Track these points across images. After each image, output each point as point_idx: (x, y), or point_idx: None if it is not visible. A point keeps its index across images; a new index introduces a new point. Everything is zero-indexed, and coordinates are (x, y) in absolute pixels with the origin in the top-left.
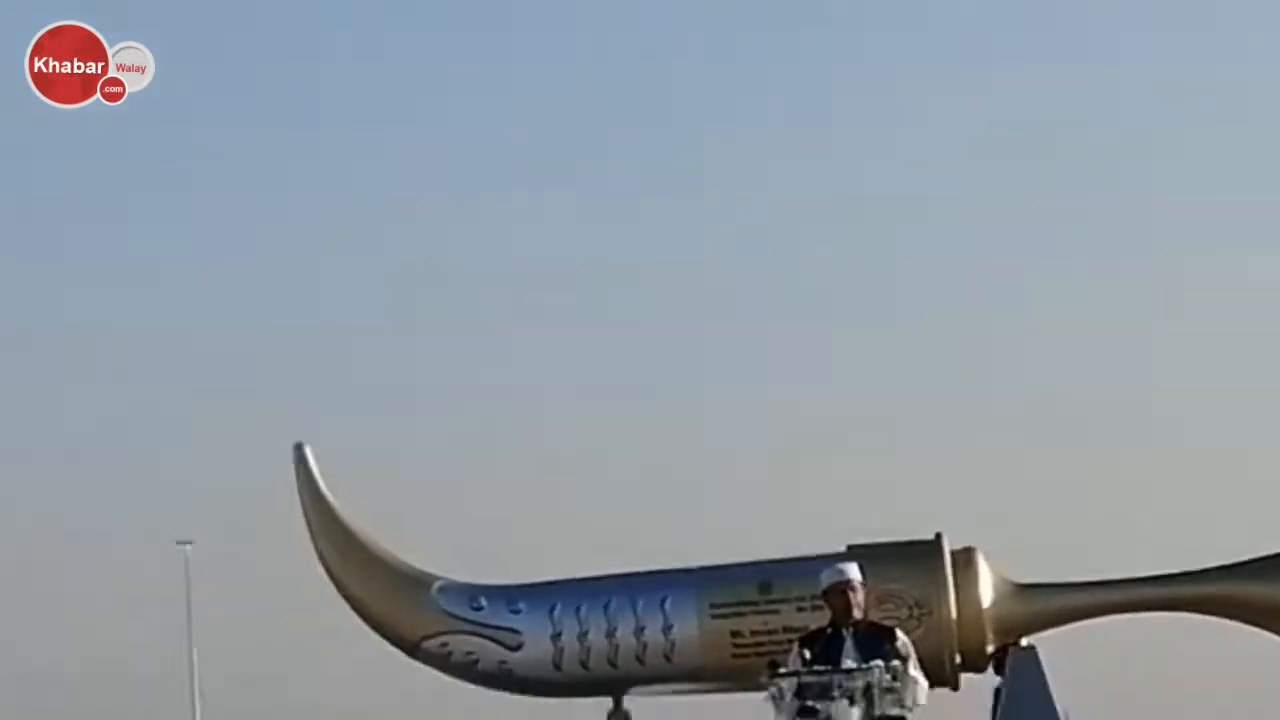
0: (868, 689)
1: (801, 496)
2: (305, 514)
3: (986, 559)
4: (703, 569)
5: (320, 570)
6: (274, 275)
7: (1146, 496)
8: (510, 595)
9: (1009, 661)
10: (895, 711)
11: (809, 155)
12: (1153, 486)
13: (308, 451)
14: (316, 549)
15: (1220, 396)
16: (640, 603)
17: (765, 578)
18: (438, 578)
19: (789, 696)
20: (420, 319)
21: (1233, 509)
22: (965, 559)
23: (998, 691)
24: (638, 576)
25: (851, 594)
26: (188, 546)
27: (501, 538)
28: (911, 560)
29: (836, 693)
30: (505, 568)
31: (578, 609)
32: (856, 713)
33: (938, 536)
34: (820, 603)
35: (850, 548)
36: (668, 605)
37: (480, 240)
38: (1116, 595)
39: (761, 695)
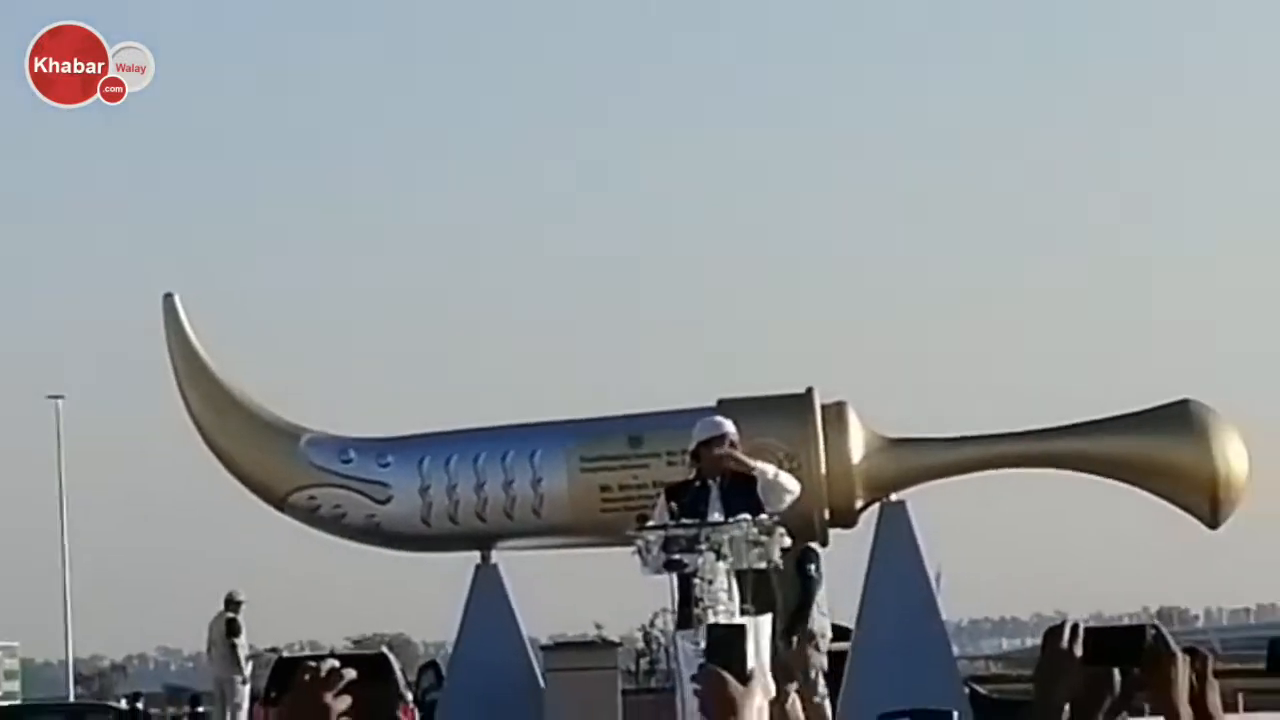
0: (734, 542)
1: (674, 350)
2: (174, 366)
3: (858, 413)
4: (573, 422)
5: (189, 423)
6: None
7: (1019, 355)
8: (379, 448)
9: (878, 517)
10: (761, 565)
11: None
12: (1026, 347)
13: (177, 302)
14: (184, 400)
15: (1089, 264)
16: (509, 456)
17: (635, 431)
18: (307, 430)
19: (656, 550)
20: (294, 183)
21: (1098, 369)
22: (836, 413)
23: None
24: (508, 430)
25: (725, 448)
26: (59, 401)
27: (373, 391)
28: (782, 414)
29: (703, 545)
30: (376, 420)
31: (447, 462)
32: (723, 566)
33: (809, 391)
34: (689, 456)
35: (721, 401)
36: (537, 459)
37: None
38: (985, 450)
39: (629, 549)
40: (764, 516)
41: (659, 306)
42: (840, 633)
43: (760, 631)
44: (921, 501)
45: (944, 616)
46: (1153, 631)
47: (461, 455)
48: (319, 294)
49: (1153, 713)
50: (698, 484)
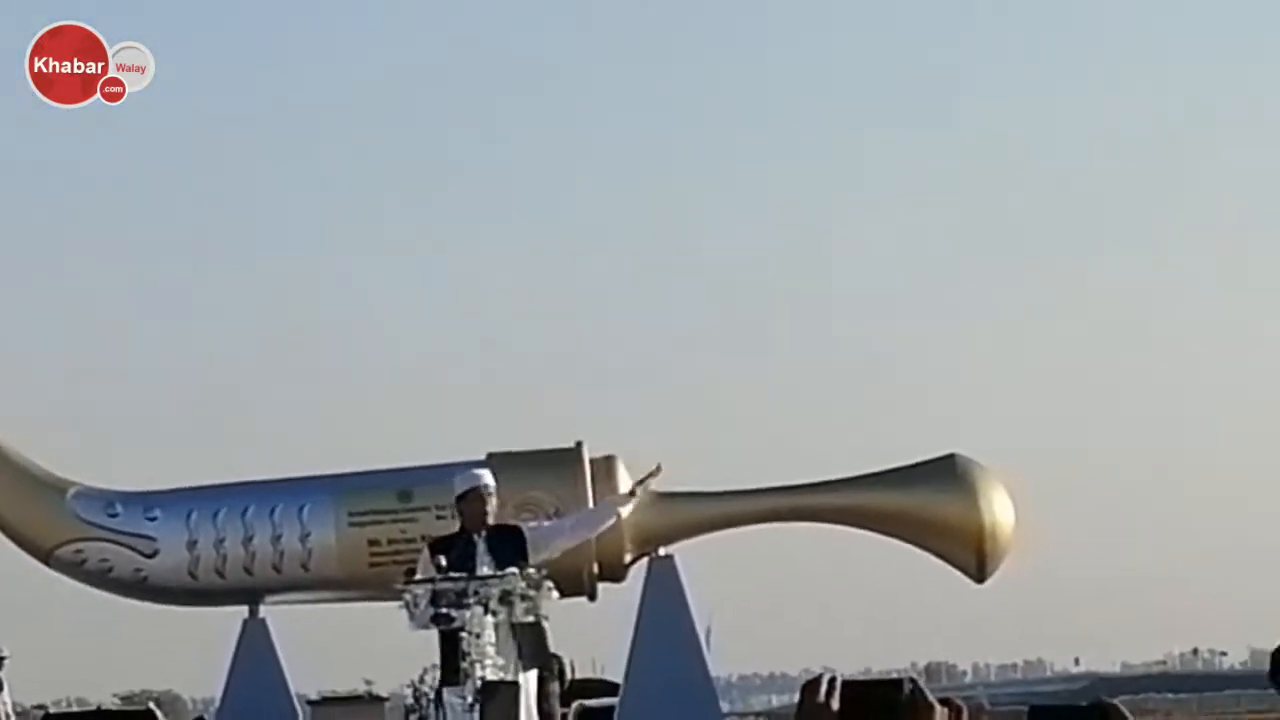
0: (504, 595)
1: (447, 404)
2: None
3: (628, 467)
4: (342, 476)
5: None
6: None
7: (789, 410)
8: (147, 501)
9: (646, 571)
10: (530, 619)
11: None
12: (790, 399)
13: None
14: None
15: (852, 314)
16: (278, 510)
17: (405, 485)
18: (73, 483)
19: (424, 604)
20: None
21: (868, 423)
22: (605, 467)
23: None
24: (276, 483)
25: (486, 500)
26: None
27: (138, 443)
28: (551, 468)
29: (471, 599)
30: (143, 474)
31: (214, 516)
32: (491, 620)
33: (578, 445)
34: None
35: (490, 455)
36: (305, 513)
37: None
38: (753, 504)
39: (398, 604)
40: (531, 570)
41: (430, 359)
42: (609, 687)
43: (527, 688)
44: (691, 555)
45: (713, 671)
46: (909, 685)
47: (229, 509)
48: (115, 339)
49: None
50: (463, 537)
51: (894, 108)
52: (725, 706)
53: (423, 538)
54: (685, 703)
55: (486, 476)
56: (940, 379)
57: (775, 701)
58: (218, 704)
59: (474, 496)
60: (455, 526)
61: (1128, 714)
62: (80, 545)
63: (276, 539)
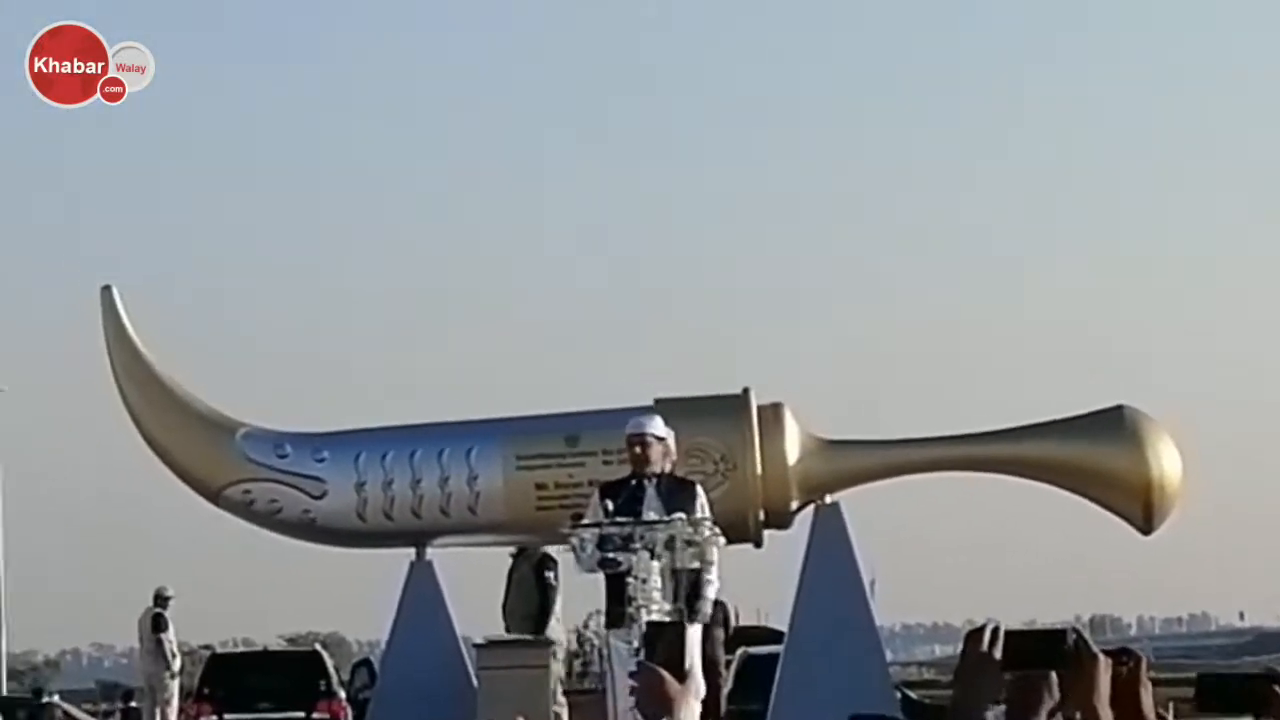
0: (670, 541)
1: (611, 350)
2: (110, 358)
3: (794, 415)
4: (510, 420)
5: (126, 415)
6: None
7: (955, 360)
8: (315, 443)
9: (812, 519)
10: (695, 565)
11: None
12: (961, 351)
13: (115, 294)
14: (121, 394)
15: (1039, 269)
16: (446, 453)
17: (572, 430)
18: (243, 424)
19: (590, 548)
20: (238, 173)
21: (1035, 375)
22: (772, 414)
23: None
24: (444, 426)
25: (647, 447)
26: None
27: (310, 386)
28: (718, 414)
29: (638, 544)
30: (313, 415)
31: (383, 458)
32: (657, 565)
33: (745, 391)
34: (626, 456)
35: (657, 401)
36: (473, 456)
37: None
38: (919, 453)
39: (564, 547)
40: (699, 518)
41: (600, 305)
42: (773, 634)
43: (689, 634)
44: (857, 506)
45: (877, 621)
46: (1073, 635)
47: (397, 451)
48: (268, 291)
49: (1073, 714)
50: (633, 482)
51: None
52: (888, 656)
53: (590, 482)
54: (849, 651)
55: (651, 423)
56: (1111, 331)
57: (939, 651)
58: (384, 646)
59: (637, 442)
60: (622, 472)
61: (1086, 637)
62: (249, 485)
63: (444, 482)
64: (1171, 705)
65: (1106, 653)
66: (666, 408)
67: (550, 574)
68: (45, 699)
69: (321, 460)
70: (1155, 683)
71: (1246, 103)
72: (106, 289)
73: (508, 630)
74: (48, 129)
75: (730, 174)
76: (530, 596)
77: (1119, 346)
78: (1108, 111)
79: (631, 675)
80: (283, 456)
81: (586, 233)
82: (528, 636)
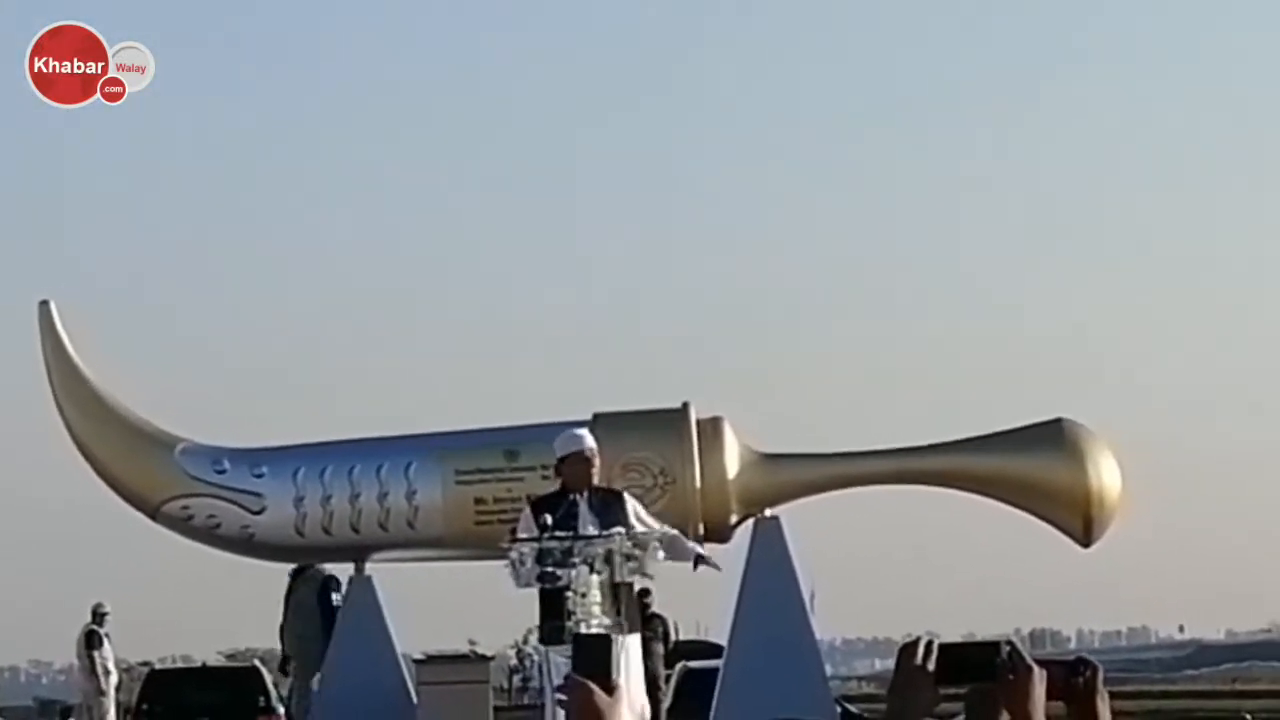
0: (609, 555)
1: (549, 365)
2: (48, 372)
3: (734, 428)
4: (448, 434)
5: (63, 431)
6: None
7: (894, 374)
8: (254, 458)
9: (752, 532)
10: (634, 579)
11: None
12: (900, 366)
13: (53, 308)
14: (59, 408)
15: (959, 283)
16: (385, 468)
17: (511, 444)
18: (181, 439)
19: (529, 562)
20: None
21: (973, 387)
22: (712, 428)
23: None
24: (383, 441)
25: (590, 463)
26: None
27: (247, 401)
28: (657, 428)
29: (576, 559)
30: (251, 430)
31: (321, 473)
32: (596, 579)
33: (684, 405)
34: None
35: (596, 415)
36: (412, 471)
37: None
38: (859, 466)
39: (502, 562)
40: (636, 530)
41: (538, 319)
42: (713, 649)
43: (630, 648)
44: (797, 519)
45: (817, 635)
46: (1007, 647)
47: (336, 466)
48: (212, 303)
49: None
50: (566, 497)
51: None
52: (829, 669)
53: (527, 497)
54: (789, 665)
55: (588, 439)
56: (1051, 345)
57: (879, 665)
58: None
59: (577, 459)
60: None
61: (1021, 649)
62: (187, 501)
63: (383, 496)
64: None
65: (1064, 663)
66: (606, 422)
67: (336, 595)
68: None
69: (260, 475)
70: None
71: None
72: (44, 304)
73: (285, 653)
74: (48, 129)
75: (671, 182)
76: (311, 619)
77: (1057, 360)
78: (1051, 121)
79: (559, 689)
80: (221, 472)
81: (526, 246)
82: (465, 653)
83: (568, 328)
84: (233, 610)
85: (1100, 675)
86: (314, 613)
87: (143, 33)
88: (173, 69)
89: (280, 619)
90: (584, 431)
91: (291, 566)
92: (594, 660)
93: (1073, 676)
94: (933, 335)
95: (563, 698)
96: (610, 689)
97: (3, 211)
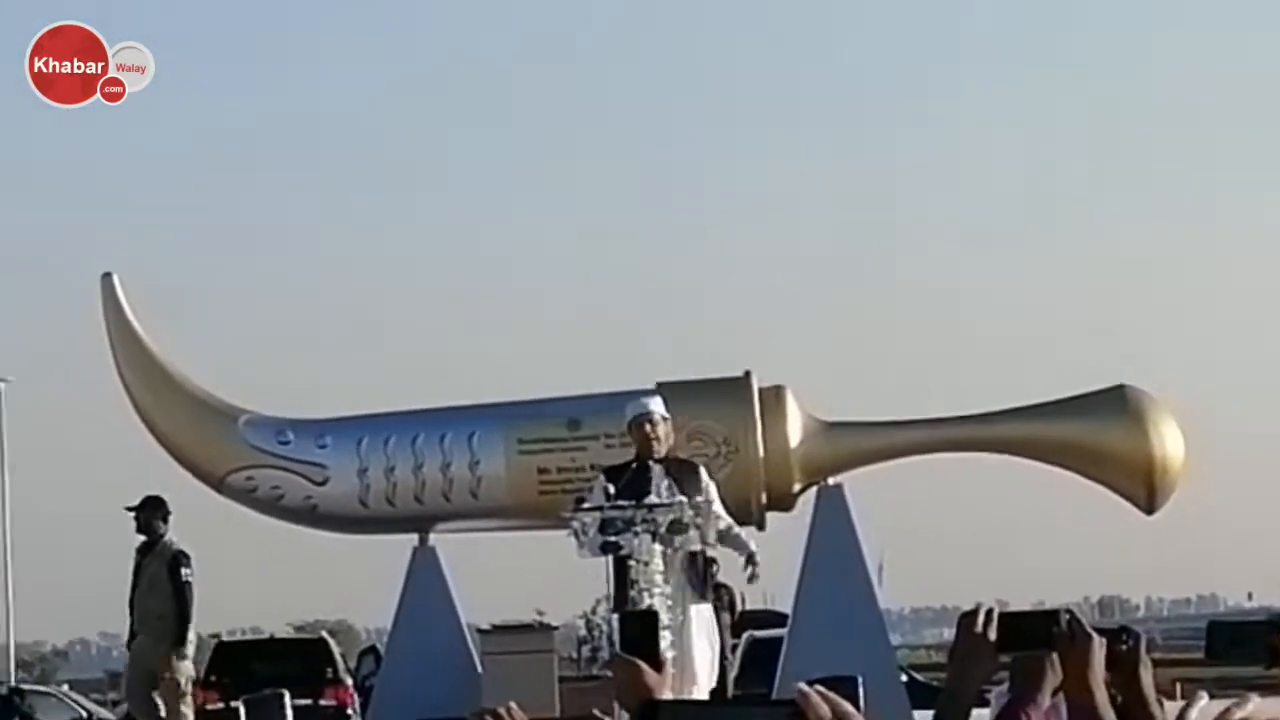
0: (672, 524)
1: (612, 335)
2: (111, 346)
3: (796, 397)
4: (511, 404)
5: (128, 403)
6: None
7: (957, 341)
8: (317, 429)
9: (815, 500)
10: (696, 547)
11: None
12: (962, 333)
13: (116, 281)
14: (123, 381)
15: (1020, 253)
16: (448, 438)
17: (574, 414)
18: (244, 411)
19: (592, 531)
20: (242, 162)
21: (1037, 354)
22: (774, 396)
23: None
24: (446, 412)
25: (652, 428)
26: (1, 384)
27: (311, 373)
28: (720, 397)
29: (639, 527)
30: (315, 402)
31: (385, 444)
32: (659, 548)
33: (746, 374)
34: (628, 440)
35: (659, 384)
36: (475, 441)
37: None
38: (921, 434)
39: (566, 531)
40: (700, 499)
41: (600, 291)
42: (778, 618)
43: (695, 617)
44: (865, 489)
45: (884, 605)
46: (1066, 615)
47: (399, 437)
48: (269, 281)
49: (1068, 696)
50: (634, 465)
51: None
52: (896, 639)
53: (592, 466)
54: (854, 635)
55: (654, 404)
56: (1115, 312)
57: (948, 634)
58: (389, 633)
59: (641, 423)
60: (624, 455)
61: (1080, 618)
62: (252, 472)
63: (446, 467)
64: (1179, 685)
65: (1106, 631)
66: (668, 391)
67: (186, 571)
68: (6, 690)
69: (324, 446)
70: (1165, 663)
71: (1237, 99)
72: (107, 276)
73: (133, 629)
74: (48, 129)
75: (730, 161)
76: (163, 594)
77: (1123, 327)
78: (1093, 107)
79: (607, 666)
80: (285, 443)
81: (587, 219)
82: (530, 622)
83: (630, 299)
84: (302, 582)
85: (1143, 644)
86: (165, 587)
87: (143, 33)
88: (173, 69)
89: (129, 593)
90: (654, 399)
91: (140, 540)
92: (640, 638)
93: (1115, 645)
94: (995, 303)
95: (611, 675)
96: (658, 665)
97: (2, 211)
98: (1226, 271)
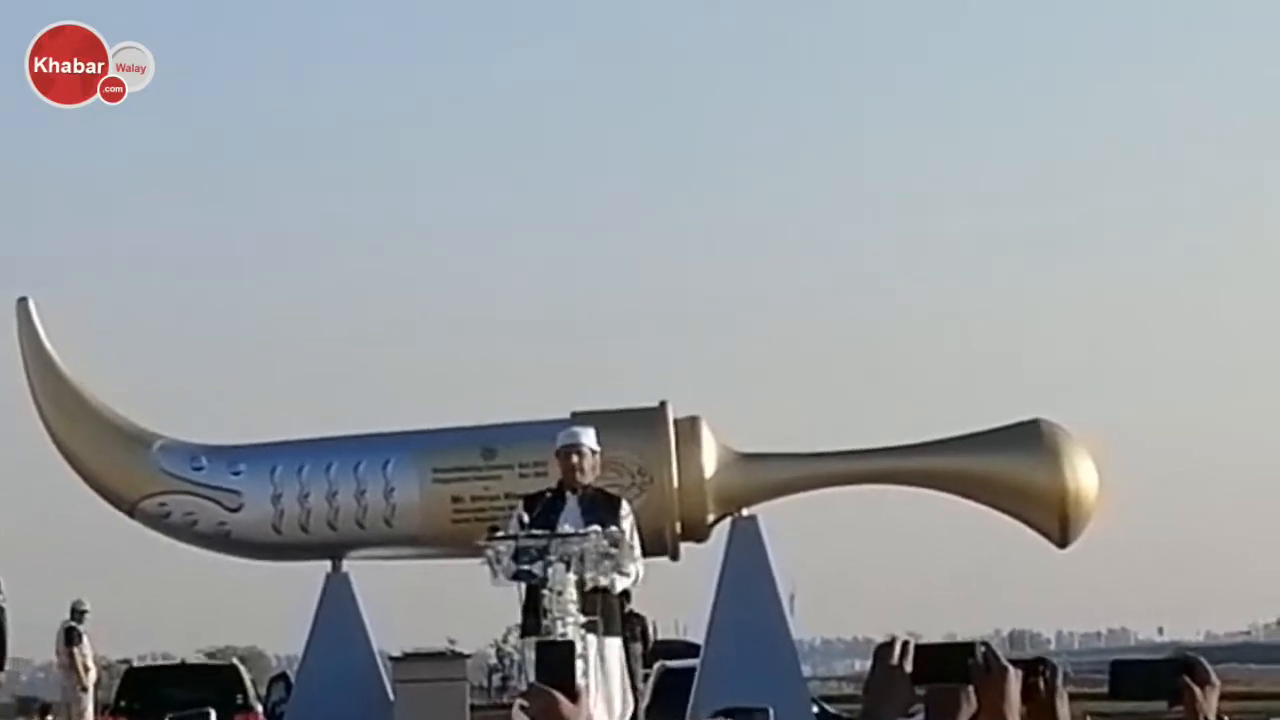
0: (584, 554)
1: (527, 362)
2: (26, 369)
3: (711, 428)
4: (426, 432)
5: (41, 428)
6: None
7: (872, 374)
8: (231, 456)
9: (729, 531)
10: (608, 580)
11: None
12: (878, 366)
13: (31, 306)
14: (36, 405)
15: (941, 284)
16: (362, 466)
17: (488, 442)
18: (159, 436)
19: (505, 560)
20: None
21: (955, 385)
22: (689, 427)
23: None
24: (361, 439)
25: (580, 458)
26: None
27: (227, 398)
28: (635, 427)
29: (552, 556)
30: (228, 428)
31: (299, 471)
32: (571, 577)
33: (662, 404)
34: (542, 469)
35: (574, 414)
36: (389, 469)
37: None
38: (836, 466)
39: (481, 561)
40: (614, 529)
41: (512, 316)
42: (691, 648)
43: (608, 648)
44: (777, 520)
45: (797, 635)
46: (982, 648)
47: (313, 464)
48: (198, 299)
49: None
50: (549, 495)
51: None
52: (808, 670)
53: (506, 495)
54: (766, 665)
55: (589, 436)
56: (1026, 347)
57: (859, 666)
58: (300, 659)
59: (565, 453)
60: (538, 484)
61: (1208, 666)
62: (165, 498)
63: (360, 494)
64: (1088, 719)
65: (1023, 662)
66: (583, 420)
67: None
68: None
69: (238, 473)
70: (1076, 697)
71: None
72: (22, 301)
73: None
74: (48, 129)
75: (645, 182)
76: None
77: (1035, 362)
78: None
79: (522, 695)
80: (198, 469)
81: (504, 244)
82: (442, 650)
83: (546, 327)
84: (213, 609)
85: (1060, 675)
86: None
87: (143, 33)
88: (173, 69)
89: None
90: (586, 429)
91: None
92: (557, 667)
93: (1031, 676)
94: (912, 333)
95: (525, 703)
96: (574, 696)
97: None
98: (1144, 308)
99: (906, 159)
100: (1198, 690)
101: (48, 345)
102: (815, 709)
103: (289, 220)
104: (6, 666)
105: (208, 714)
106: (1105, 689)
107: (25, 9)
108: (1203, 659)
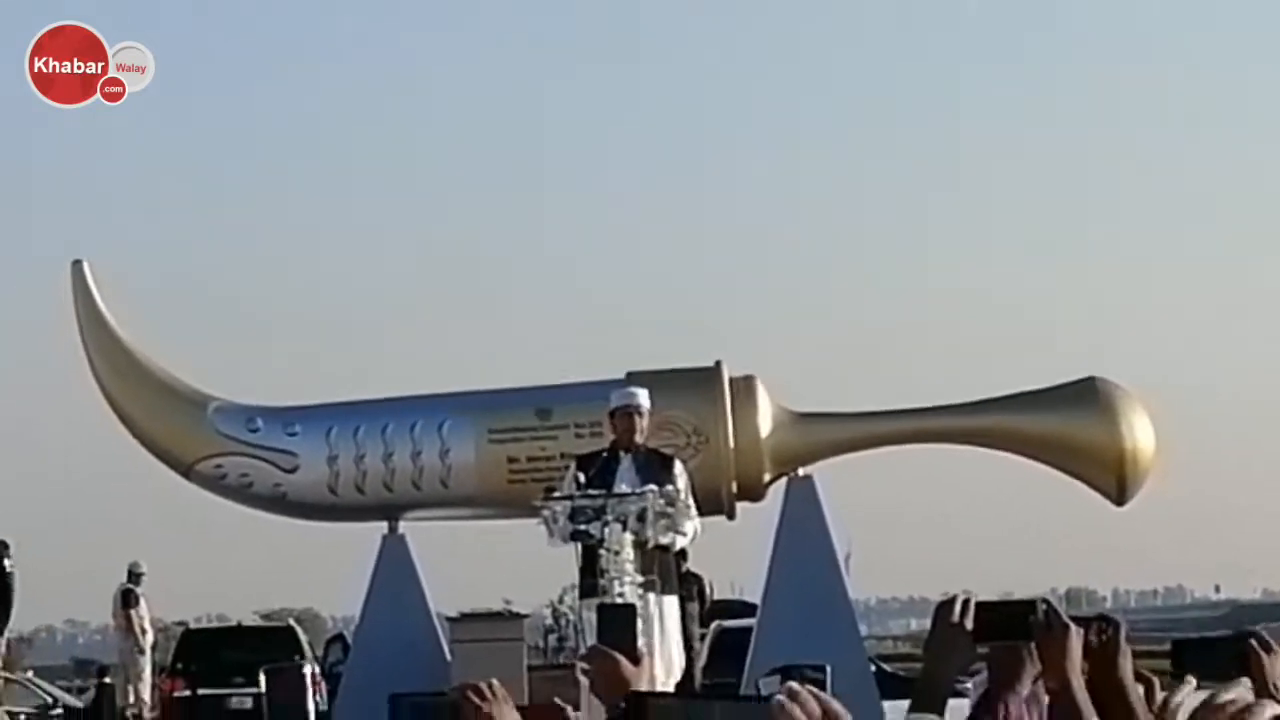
0: (641, 513)
1: (583, 324)
2: (81, 333)
3: (766, 387)
4: (482, 393)
5: (97, 392)
6: None
7: (929, 332)
8: (287, 417)
9: (785, 491)
10: (667, 539)
11: None
12: (934, 324)
13: (86, 268)
14: (92, 369)
15: (995, 247)
16: (418, 427)
17: (544, 403)
18: (214, 398)
19: (562, 520)
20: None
21: (1009, 346)
22: (744, 387)
23: None
24: (416, 400)
25: (637, 418)
26: None
27: (282, 360)
28: (690, 387)
29: (609, 516)
30: (285, 390)
31: (355, 432)
32: (629, 537)
33: (717, 364)
34: (598, 429)
35: (629, 374)
36: (445, 430)
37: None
38: (893, 425)
39: (537, 521)
40: (670, 488)
41: (570, 279)
42: (748, 608)
43: (665, 607)
44: (834, 479)
45: (852, 595)
46: (1043, 605)
47: (369, 425)
48: (245, 270)
49: (1046, 685)
50: (604, 455)
51: None
52: (864, 629)
53: (561, 455)
54: (823, 624)
55: (642, 395)
56: (1086, 304)
57: (915, 625)
58: (357, 620)
59: (626, 412)
60: (594, 444)
61: (1269, 639)
62: (220, 460)
63: (416, 455)
64: (1156, 680)
65: (1085, 620)
66: (638, 381)
67: (8, 560)
68: None
69: (294, 434)
70: (1136, 655)
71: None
72: (77, 264)
73: None
74: (48, 129)
75: (704, 148)
76: None
77: (1094, 319)
78: (1067, 104)
79: (583, 658)
80: (254, 430)
81: (560, 209)
82: (499, 610)
83: (601, 288)
84: (269, 570)
85: (1123, 632)
86: None
87: (143, 33)
88: (173, 69)
89: None
90: (641, 391)
91: None
92: (619, 630)
93: (1095, 633)
94: (969, 293)
95: (586, 667)
96: (635, 659)
97: (3, 206)
98: (1199, 268)
99: (975, 125)
100: (1265, 656)
101: (103, 308)
102: (872, 668)
103: (308, 212)
104: (9, 628)
105: (301, 668)
106: (1164, 646)
107: (25, 9)
108: (1262, 630)
